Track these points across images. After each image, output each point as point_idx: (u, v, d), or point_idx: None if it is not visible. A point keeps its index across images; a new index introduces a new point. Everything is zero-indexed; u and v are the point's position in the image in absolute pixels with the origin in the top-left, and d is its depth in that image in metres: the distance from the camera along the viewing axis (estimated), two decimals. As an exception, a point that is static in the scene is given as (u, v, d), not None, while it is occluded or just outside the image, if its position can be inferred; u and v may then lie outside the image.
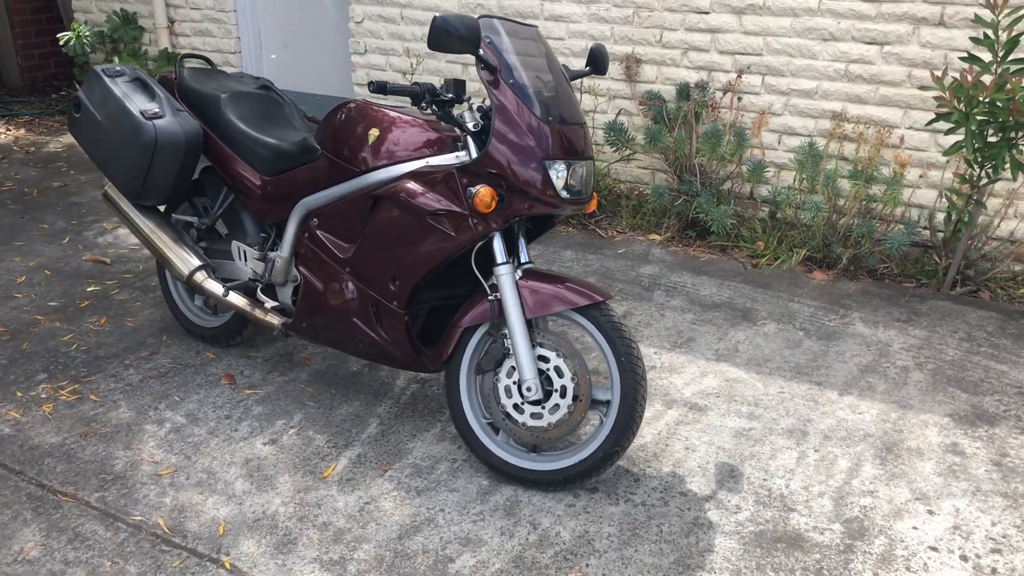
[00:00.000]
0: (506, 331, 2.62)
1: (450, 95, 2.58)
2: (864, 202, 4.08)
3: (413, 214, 2.60)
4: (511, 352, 2.61)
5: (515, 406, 2.64)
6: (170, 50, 6.29)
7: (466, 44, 2.36)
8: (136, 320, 3.68)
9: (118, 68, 3.22)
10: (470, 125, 2.58)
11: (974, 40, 3.63)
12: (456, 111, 2.68)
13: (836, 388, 3.22)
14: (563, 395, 2.58)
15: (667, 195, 4.53)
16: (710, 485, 2.70)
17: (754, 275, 4.18)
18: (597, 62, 2.73)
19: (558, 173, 2.48)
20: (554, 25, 4.95)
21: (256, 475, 2.73)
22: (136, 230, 3.27)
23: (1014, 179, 3.52)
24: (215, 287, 3.15)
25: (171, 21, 6.32)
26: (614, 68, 4.84)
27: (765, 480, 2.73)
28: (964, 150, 3.53)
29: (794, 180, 4.37)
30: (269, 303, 3.08)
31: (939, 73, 3.78)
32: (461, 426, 2.73)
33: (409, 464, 2.79)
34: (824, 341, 3.55)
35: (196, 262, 3.17)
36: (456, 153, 2.65)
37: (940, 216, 4.11)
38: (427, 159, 2.67)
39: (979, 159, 3.62)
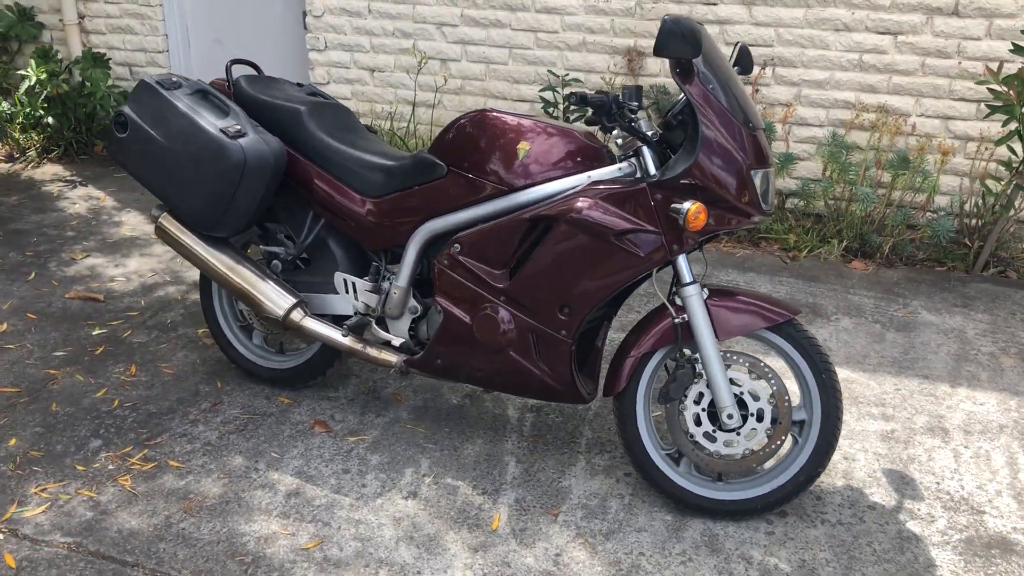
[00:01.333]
0: (692, 355, 2.43)
1: (635, 103, 2.35)
2: (902, 191, 4.14)
3: (595, 236, 2.35)
4: (700, 377, 2.43)
5: (705, 434, 2.45)
6: (81, 49, 5.56)
7: (689, 48, 2.15)
8: (174, 366, 3.20)
9: (175, 79, 2.75)
10: (649, 135, 2.37)
11: None
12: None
13: (944, 380, 3.23)
14: (760, 419, 2.42)
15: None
16: (891, 494, 2.62)
17: (797, 269, 4.15)
18: (743, 61, 2.56)
19: (758, 182, 2.32)
20: (547, 18, 4.73)
21: (416, 536, 2.41)
22: (206, 266, 2.82)
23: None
24: (321, 327, 2.77)
25: (81, 16, 5.60)
26: (615, 62, 4.69)
27: (938, 483, 2.68)
28: (1018, 136, 3.64)
29: (825, 170, 4.37)
30: (394, 339, 2.73)
31: (994, 66, 3.87)
32: (639, 459, 2.51)
33: (576, 505, 2.55)
34: (904, 333, 3.56)
35: (290, 299, 2.76)
36: (618, 165, 2.43)
37: (970, 201, 4.22)
38: (587, 173, 2.44)
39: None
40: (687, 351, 2.46)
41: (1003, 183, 3.95)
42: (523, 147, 2.48)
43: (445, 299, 2.57)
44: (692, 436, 2.46)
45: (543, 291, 2.45)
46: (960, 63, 4.18)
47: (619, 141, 2.50)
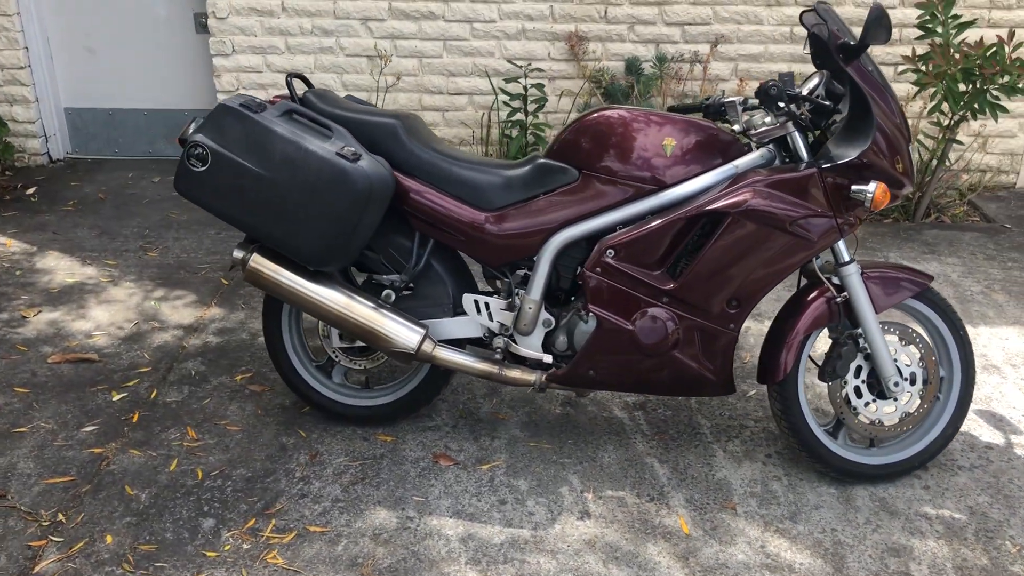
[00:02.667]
0: (854, 331, 2.50)
1: (797, 91, 2.36)
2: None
3: (771, 225, 2.35)
4: (862, 351, 2.51)
5: (866, 404, 2.55)
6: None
7: (886, 35, 2.20)
8: (235, 421, 2.85)
9: (257, 101, 2.43)
10: (786, 119, 2.39)
11: (919, 6, 4.09)
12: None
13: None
14: (912, 382, 2.55)
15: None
16: (994, 432, 2.84)
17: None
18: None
19: (911, 155, 2.42)
20: (483, 7, 4.60)
21: (620, 555, 2.32)
22: (314, 307, 2.52)
23: (995, 120, 4.11)
24: (456, 355, 2.56)
25: (-90, 33, 4.75)
26: (556, 48, 4.65)
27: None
28: (946, 104, 4.05)
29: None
30: (544, 356, 2.58)
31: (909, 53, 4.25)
32: (807, 440, 2.55)
33: (745, 495, 2.56)
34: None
35: (419, 330, 2.53)
36: (758, 153, 2.44)
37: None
38: (732, 163, 2.43)
39: (954, 109, 4.13)
40: (853, 329, 2.52)
41: (938, 140, 4.35)
42: (669, 143, 2.42)
43: (600, 307, 2.47)
44: (855, 409, 2.55)
45: (713, 287, 2.42)
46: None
47: (736, 128, 2.52)
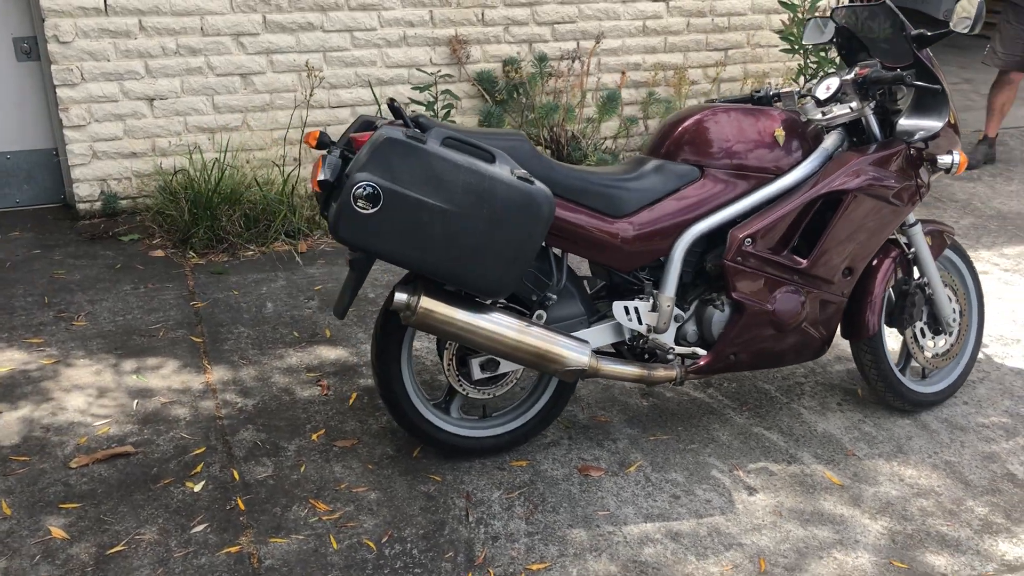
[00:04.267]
0: (921, 281, 2.91)
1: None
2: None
3: (881, 198, 2.66)
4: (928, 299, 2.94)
5: (929, 340, 2.99)
6: None
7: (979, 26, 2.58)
8: (355, 481, 2.61)
9: (420, 122, 2.26)
10: (873, 104, 2.73)
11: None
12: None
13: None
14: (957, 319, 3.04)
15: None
16: None
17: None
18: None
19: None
20: (363, 15, 4.41)
21: (807, 517, 2.54)
22: (490, 340, 2.39)
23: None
24: (612, 364, 2.57)
25: None
26: (438, 53, 4.60)
27: None
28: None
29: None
30: (697, 349, 2.68)
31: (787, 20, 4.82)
32: (892, 382, 2.92)
33: (853, 440, 2.89)
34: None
35: (586, 344, 2.50)
36: (838, 134, 2.76)
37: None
38: (822, 146, 2.72)
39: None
40: (919, 280, 2.92)
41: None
42: (779, 133, 2.64)
43: (742, 294, 2.63)
44: (923, 347, 2.97)
45: (836, 260, 2.69)
46: (713, 20, 5.08)
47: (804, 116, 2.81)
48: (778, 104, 2.86)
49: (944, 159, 2.73)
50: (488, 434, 2.71)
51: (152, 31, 4.13)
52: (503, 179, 2.25)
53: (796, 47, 4.74)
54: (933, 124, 2.72)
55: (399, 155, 2.19)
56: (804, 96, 2.82)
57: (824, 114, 2.75)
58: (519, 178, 2.27)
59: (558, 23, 4.81)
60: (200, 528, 2.42)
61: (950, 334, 3.02)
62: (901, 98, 2.81)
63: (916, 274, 2.94)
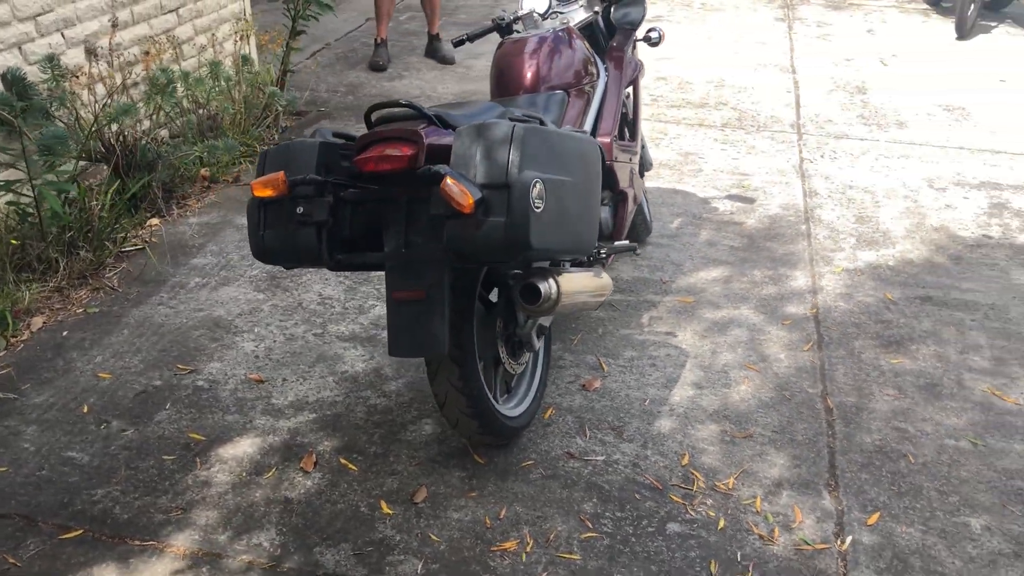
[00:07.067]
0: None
1: None
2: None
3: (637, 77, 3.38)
4: None
5: None
6: None
7: None
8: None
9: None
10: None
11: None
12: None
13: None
14: None
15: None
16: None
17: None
18: None
19: None
20: None
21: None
22: (599, 295, 2.58)
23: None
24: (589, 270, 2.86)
25: None
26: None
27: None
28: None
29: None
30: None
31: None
32: None
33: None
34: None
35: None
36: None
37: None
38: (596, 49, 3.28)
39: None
40: None
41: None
42: (586, 46, 3.12)
43: (622, 185, 3.11)
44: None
45: (639, 132, 3.30)
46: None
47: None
48: (518, 28, 3.22)
49: (652, 35, 3.50)
50: (525, 408, 2.74)
51: None
52: (579, 136, 2.32)
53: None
54: (639, 10, 3.45)
55: (536, 143, 2.10)
56: (530, 15, 3.24)
57: (564, 23, 3.24)
58: (579, 131, 2.36)
59: (40, 15, 3.92)
60: None
61: None
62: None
63: None
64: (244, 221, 4.01)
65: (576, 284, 2.46)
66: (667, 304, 3.50)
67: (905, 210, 4.27)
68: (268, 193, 2.20)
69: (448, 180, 2.03)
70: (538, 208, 2.07)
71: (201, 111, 4.58)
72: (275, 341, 3.26)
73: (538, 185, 2.07)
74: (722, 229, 4.08)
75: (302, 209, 2.22)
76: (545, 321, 2.67)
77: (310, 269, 3.59)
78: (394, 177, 2.23)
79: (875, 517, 2.49)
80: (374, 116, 2.34)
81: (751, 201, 4.35)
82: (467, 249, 2.11)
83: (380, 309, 3.44)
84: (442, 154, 2.19)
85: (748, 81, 6.03)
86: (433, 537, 2.42)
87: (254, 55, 5.07)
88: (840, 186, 4.52)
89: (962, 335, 3.30)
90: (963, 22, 6.95)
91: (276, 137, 4.92)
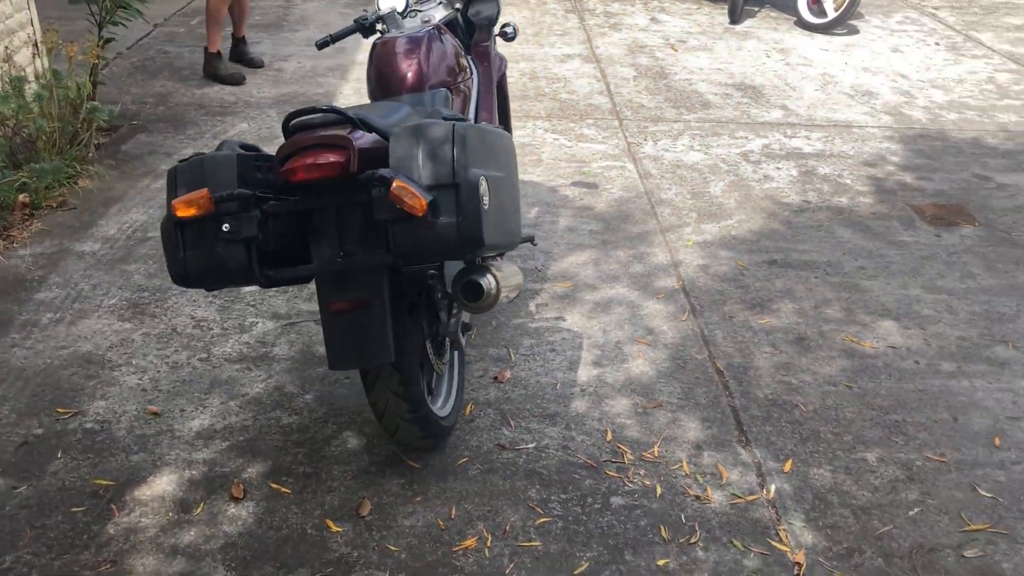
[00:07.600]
0: None
1: None
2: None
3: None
4: None
5: None
6: None
7: None
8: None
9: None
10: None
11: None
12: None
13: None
14: None
15: None
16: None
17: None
18: None
19: None
20: None
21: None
22: (519, 287, 2.50)
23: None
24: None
25: None
26: None
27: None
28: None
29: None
30: None
31: None
32: None
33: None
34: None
35: None
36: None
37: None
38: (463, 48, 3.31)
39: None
40: None
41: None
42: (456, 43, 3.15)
43: None
44: None
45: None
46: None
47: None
48: (380, 28, 3.20)
49: (508, 30, 3.56)
50: (452, 407, 2.74)
51: None
52: (502, 132, 2.36)
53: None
54: (494, 5, 3.50)
55: (476, 141, 2.12)
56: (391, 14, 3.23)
57: (425, 21, 3.25)
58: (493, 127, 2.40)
59: None
60: None
61: None
62: None
63: None
64: (84, 248, 3.79)
65: (506, 278, 2.50)
66: (548, 290, 3.60)
67: (731, 183, 4.64)
68: (192, 212, 2.08)
69: (398, 184, 2.01)
70: (486, 205, 2.10)
71: (11, 132, 4.14)
72: (159, 371, 3.05)
73: (484, 182, 2.10)
74: (578, 215, 4.24)
75: (228, 226, 2.11)
76: (466, 317, 2.69)
77: (209, 292, 3.40)
78: (323, 185, 2.18)
79: (788, 464, 2.73)
80: (292, 124, 2.26)
81: (595, 187, 4.55)
82: (418, 252, 2.10)
83: (262, 326, 3.30)
84: (374, 157, 2.16)
85: (558, 71, 6.27)
86: (391, 547, 2.39)
87: (61, 68, 4.64)
88: (669, 166, 4.82)
89: (811, 291, 3.66)
90: (735, 8, 7.61)
91: (90, 156, 4.54)
